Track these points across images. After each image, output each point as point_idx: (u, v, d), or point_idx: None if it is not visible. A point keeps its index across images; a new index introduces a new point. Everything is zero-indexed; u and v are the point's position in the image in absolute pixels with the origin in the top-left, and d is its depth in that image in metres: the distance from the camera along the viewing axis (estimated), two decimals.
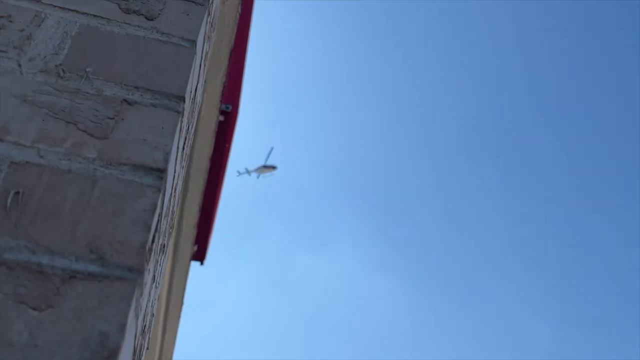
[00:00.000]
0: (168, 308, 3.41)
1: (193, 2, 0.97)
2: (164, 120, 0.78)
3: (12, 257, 0.60)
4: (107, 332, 0.57)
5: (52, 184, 0.67)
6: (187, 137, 1.03)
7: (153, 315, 0.98)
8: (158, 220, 0.73)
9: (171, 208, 0.94)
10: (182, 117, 0.83)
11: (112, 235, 0.64)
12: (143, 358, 0.90)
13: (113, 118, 0.76)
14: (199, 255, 3.50)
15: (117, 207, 0.67)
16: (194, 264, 3.53)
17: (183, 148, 0.97)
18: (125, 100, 0.78)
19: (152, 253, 0.72)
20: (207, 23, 1.04)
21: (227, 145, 2.89)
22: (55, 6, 0.86)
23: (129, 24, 0.89)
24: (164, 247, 0.91)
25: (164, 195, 0.75)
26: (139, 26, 0.89)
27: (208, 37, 1.16)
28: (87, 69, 0.80)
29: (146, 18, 0.91)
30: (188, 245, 3.23)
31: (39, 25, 0.83)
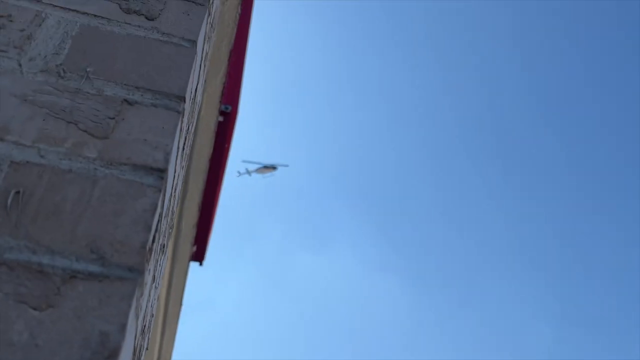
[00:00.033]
0: (167, 308, 3.41)
1: (193, 2, 0.97)
2: (164, 120, 0.78)
3: (12, 257, 0.60)
4: (108, 332, 0.57)
5: (53, 183, 0.67)
6: (187, 137, 1.03)
7: (153, 316, 0.98)
8: (158, 220, 0.73)
9: (171, 208, 0.94)
10: (183, 117, 0.83)
11: (113, 235, 0.64)
12: (142, 358, 0.90)
13: (114, 118, 0.76)
14: (198, 255, 3.50)
15: (117, 207, 0.67)
16: (193, 265, 3.53)
17: (183, 148, 0.97)
18: (125, 100, 0.78)
19: (153, 253, 0.72)
20: (207, 23, 1.04)
21: (226, 146, 2.89)
22: (56, 6, 0.86)
23: (129, 24, 0.89)
24: (163, 247, 0.91)
25: (164, 195, 0.75)
26: (139, 26, 0.89)
27: (208, 38, 1.16)
28: (88, 69, 0.80)
29: (147, 18, 0.91)
30: (187, 246, 3.23)
31: (40, 25, 0.83)
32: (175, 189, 0.96)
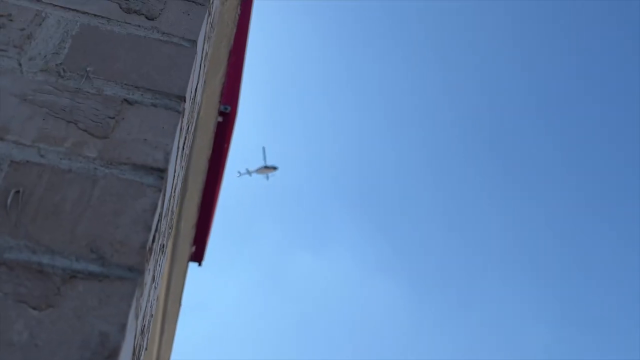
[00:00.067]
0: (166, 309, 3.41)
1: (193, 2, 0.97)
2: (164, 120, 0.78)
3: (12, 257, 0.60)
4: (108, 332, 0.57)
5: (53, 183, 0.67)
6: (187, 137, 1.03)
7: (152, 316, 0.98)
8: (158, 220, 0.72)
9: (171, 208, 0.94)
10: (183, 117, 0.83)
11: (113, 235, 0.64)
12: (141, 358, 0.90)
13: (114, 117, 0.75)
14: (197, 256, 3.49)
15: (117, 206, 0.67)
16: (192, 265, 3.53)
17: (183, 148, 0.97)
18: (125, 99, 0.78)
19: (152, 253, 0.72)
20: (207, 23, 1.04)
21: (225, 146, 2.89)
22: (56, 5, 0.86)
23: (129, 23, 0.89)
24: (163, 247, 0.91)
25: (164, 195, 0.74)
26: (139, 26, 0.89)
27: (208, 37, 1.16)
28: (88, 69, 0.80)
29: (147, 18, 0.90)
30: (186, 246, 3.23)
31: (40, 25, 0.83)
32: (175, 189, 0.96)
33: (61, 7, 0.86)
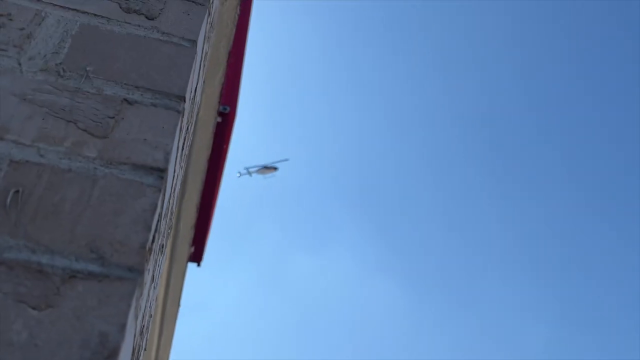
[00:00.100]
0: (165, 309, 3.40)
1: (193, 2, 0.97)
2: (164, 120, 0.77)
3: (11, 257, 0.59)
4: (107, 332, 0.57)
5: (52, 183, 0.67)
6: (187, 137, 1.03)
7: (151, 316, 0.97)
8: (158, 220, 0.72)
9: (170, 208, 0.94)
10: (183, 117, 0.83)
11: (112, 234, 0.64)
12: (141, 359, 0.90)
13: (113, 117, 0.75)
14: (196, 256, 3.49)
15: (117, 206, 0.67)
16: (191, 266, 3.53)
17: (182, 148, 0.97)
18: (125, 99, 0.78)
19: (152, 253, 0.72)
20: (207, 23, 1.04)
21: (225, 146, 2.89)
22: (56, 5, 0.86)
23: (129, 23, 0.88)
24: (162, 247, 0.91)
25: (164, 195, 0.74)
26: (139, 26, 0.89)
27: (208, 37, 1.15)
28: (88, 68, 0.80)
29: (147, 17, 0.90)
30: (185, 247, 3.23)
31: (39, 24, 0.83)
32: (175, 189, 0.96)
33: (61, 6, 0.86)
